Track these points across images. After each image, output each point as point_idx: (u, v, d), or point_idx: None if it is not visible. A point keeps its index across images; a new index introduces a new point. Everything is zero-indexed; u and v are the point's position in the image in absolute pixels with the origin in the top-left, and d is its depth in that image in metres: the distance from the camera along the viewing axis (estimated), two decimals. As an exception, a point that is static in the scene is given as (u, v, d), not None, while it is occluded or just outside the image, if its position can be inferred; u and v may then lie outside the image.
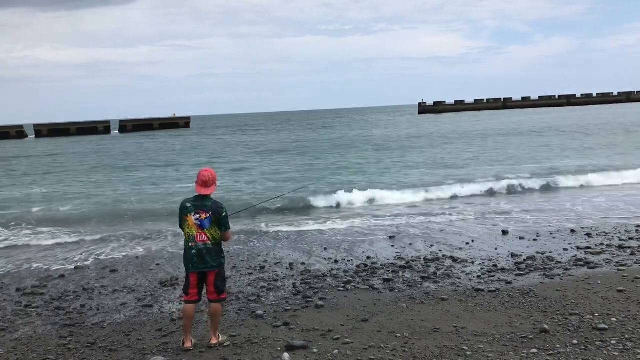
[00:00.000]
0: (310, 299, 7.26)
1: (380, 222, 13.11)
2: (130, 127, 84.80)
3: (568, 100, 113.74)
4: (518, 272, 8.19)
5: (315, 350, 5.45)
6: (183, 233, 5.74)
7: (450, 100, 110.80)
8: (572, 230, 11.05)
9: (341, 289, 7.75)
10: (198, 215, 5.57)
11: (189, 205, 5.63)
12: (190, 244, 5.63)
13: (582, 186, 17.93)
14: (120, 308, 7.41)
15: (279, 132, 68.25)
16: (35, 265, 10.13)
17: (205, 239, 5.58)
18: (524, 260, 8.91)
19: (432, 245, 10.41)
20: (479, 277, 8.05)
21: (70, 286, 8.65)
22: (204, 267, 5.62)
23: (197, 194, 5.66)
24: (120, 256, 10.66)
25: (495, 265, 8.66)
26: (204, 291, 5.78)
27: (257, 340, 5.83)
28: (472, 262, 8.97)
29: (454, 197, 16.85)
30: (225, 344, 5.71)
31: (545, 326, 5.75)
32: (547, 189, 17.78)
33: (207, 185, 5.63)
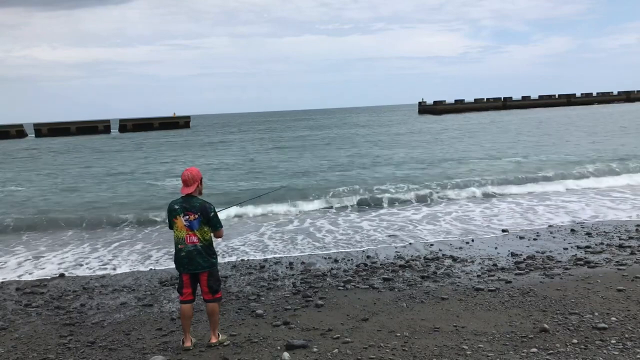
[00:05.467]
0: (310, 298, 7.26)
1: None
2: (130, 126, 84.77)
3: (568, 100, 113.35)
4: (518, 271, 8.19)
5: (315, 350, 5.45)
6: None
7: (450, 99, 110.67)
8: (572, 230, 11.05)
9: (341, 288, 7.76)
10: (187, 217, 5.52)
11: (177, 207, 5.57)
12: (179, 246, 5.59)
13: None
14: (120, 307, 7.41)
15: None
16: (35, 265, 10.13)
17: (195, 240, 5.54)
18: (524, 259, 8.91)
19: (432, 245, 10.41)
20: (478, 276, 8.05)
21: (70, 285, 8.65)
22: (194, 269, 5.59)
23: (183, 195, 5.61)
24: (120, 255, 10.66)
25: (495, 265, 8.66)
26: (200, 291, 5.78)
27: (257, 339, 5.82)
28: (472, 262, 8.97)
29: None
30: (225, 343, 5.72)
31: (545, 325, 5.75)
32: None
33: (188, 185, 5.57)
